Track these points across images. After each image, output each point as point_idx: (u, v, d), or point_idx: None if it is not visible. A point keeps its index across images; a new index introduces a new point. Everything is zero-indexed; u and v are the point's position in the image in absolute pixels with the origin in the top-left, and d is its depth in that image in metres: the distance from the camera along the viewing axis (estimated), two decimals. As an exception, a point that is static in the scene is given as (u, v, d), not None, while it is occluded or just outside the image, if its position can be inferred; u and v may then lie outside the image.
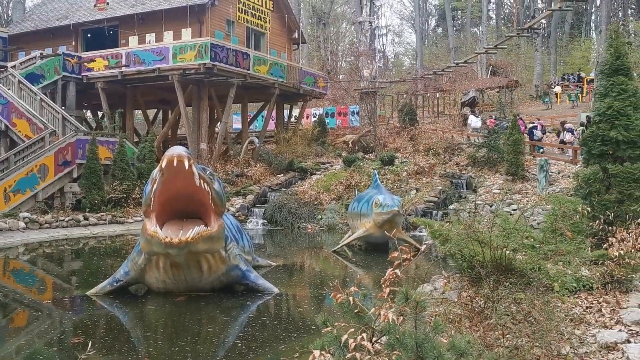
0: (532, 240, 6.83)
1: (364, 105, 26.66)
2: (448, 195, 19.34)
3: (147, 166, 19.54)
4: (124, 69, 23.93)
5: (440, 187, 19.72)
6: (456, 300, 5.35)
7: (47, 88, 23.72)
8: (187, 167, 6.26)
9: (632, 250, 5.76)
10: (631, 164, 7.21)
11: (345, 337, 2.61)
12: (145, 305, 8.45)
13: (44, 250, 15.20)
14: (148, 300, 8.68)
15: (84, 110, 28.93)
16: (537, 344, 3.94)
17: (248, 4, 26.43)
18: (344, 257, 13.57)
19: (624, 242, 5.95)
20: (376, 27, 40.41)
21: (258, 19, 27.16)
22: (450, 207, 18.75)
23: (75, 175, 19.31)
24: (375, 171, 17.18)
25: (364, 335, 2.59)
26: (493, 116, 27.09)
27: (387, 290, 2.76)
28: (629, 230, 6.29)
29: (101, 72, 24.46)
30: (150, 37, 25.15)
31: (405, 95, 33.17)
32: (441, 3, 57.89)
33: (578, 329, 4.72)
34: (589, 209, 6.90)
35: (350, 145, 25.99)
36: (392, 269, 3.02)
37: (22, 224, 16.27)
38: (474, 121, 26.06)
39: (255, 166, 23.14)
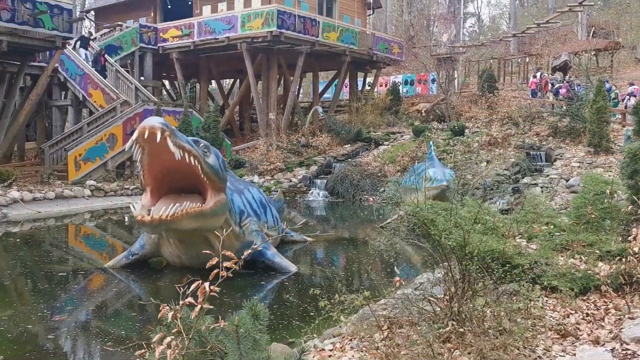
0: (553, 227, 5.83)
1: (441, 72, 25.17)
2: (522, 168, 17.82)
3: (211, 136, 19.62)
4: (195, 39, 24.14)
5: (513, 160, 18.20)
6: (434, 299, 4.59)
7: (126, 59, 24.52)
8: (158, 139, 5.85)
9: (659, 245, 4.63)
10: (689, 137, 5.88)
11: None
12: (156, 282, 8.29)
13: (109, 217, 15.76)
14: (163, 276, 8.52)
15: (162, 81, 29.70)
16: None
17: (320, -31, 25.59)
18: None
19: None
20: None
21: (330, -16, 26.26)
22: (523, 180, 17.29)
23: (143, 144, 19.78)
24: (432, 142, 16.10)
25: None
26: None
27: (170, 314, 2.14)
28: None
29: (174, 43, 24.86)
30: (222, 5, 25.12)
31: (491, 61, 30.99)
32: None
33: (559, 344, 3.81)
34: (626, 190, 5.75)
35: (423, 114, 24.72)
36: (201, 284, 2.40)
37: (87, 192, 16.93)
38: None
39: (321, 136, 22.62)
